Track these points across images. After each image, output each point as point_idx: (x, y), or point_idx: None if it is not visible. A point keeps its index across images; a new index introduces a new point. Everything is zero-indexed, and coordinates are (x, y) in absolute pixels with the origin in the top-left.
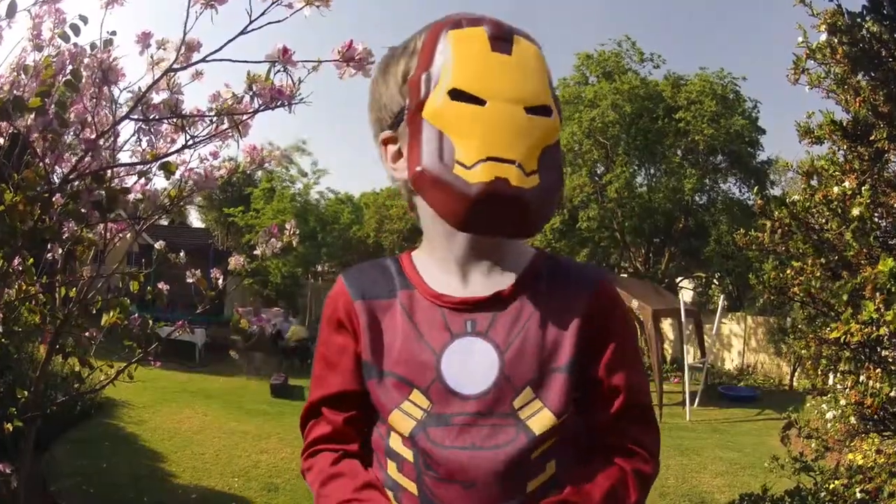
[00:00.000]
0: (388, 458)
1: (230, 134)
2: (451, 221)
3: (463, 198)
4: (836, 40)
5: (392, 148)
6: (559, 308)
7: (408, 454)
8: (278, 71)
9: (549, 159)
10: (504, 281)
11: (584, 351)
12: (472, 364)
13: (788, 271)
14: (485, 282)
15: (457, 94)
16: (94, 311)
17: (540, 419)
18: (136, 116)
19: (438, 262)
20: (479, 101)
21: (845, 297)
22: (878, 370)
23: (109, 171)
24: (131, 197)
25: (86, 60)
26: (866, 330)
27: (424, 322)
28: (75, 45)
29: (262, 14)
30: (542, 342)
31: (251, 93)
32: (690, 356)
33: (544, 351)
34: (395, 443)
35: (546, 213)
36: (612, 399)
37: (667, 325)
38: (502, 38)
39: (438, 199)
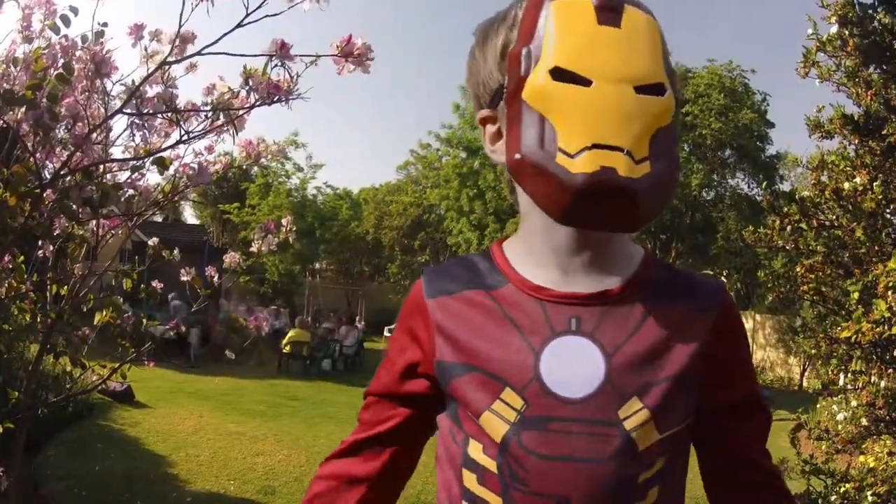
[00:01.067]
0: (466, 468)
1: (225, 129)
2: (552, 214)
3: (565, 190)
4: (846, 32)
5: (491, 128)
6: (679, 317)
7: (491, 464)
8: (275, 65)
9: (661, 144)
10: (610, 279)
11: (704, 368)
12: (575, 365)
13: (798, 269)
14: (588, 278)
15: (559, 74)
16: (86, 310)
17: (645, 433)
18: (129, 110)
19: (536, 254)
20: (584, 82)
21: (856, 296)
22: (891, 370)
23: (102, 167)
24: (124, 193)
25: (77, 53)
26: (878, 329)
27: (522, 317)
28: (66, 36)
29: (260, 6)
30: (656, 350)
31: (247, 87)
32: None
33: (658, 360)
34: (476, 451)
35: (658, 205)
36: (747, 422)
37: None
38: (610, 9)
39: (539, 190)
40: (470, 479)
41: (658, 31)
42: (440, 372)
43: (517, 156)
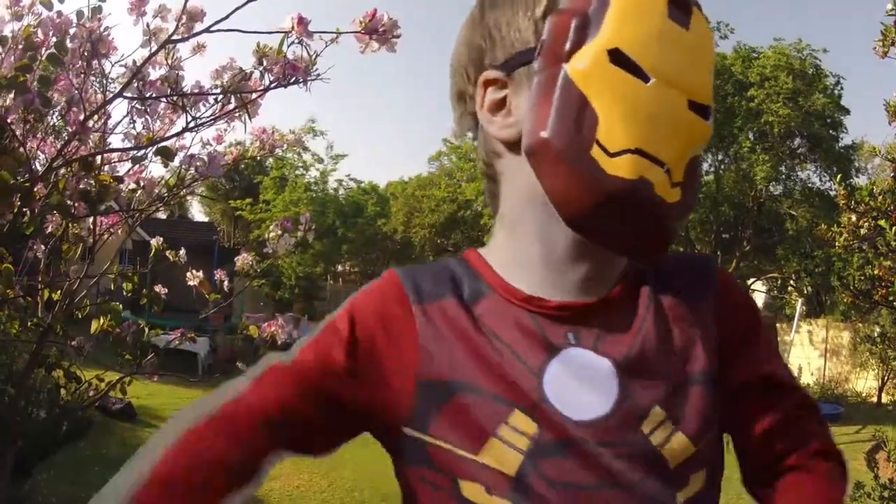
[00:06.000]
0: None
1: (237, 115)
2: (564, 212)
3: (593, 190)
4: None
5: (495, 93)
6: (683, 310)
7: None
8: (292, 43)
9: (694, 174)
10: (604, 283)
11: (722, 356)
12: (583, 383)
13: (876, 271)
14: (582, 284)
15: (618, 58)
16: (82, 317)
17: (675, 447)
18: (129, 94)
19: (523, 262)
20: (643, 76)
21: None
22: None
23: (99, 157)
24: (124, 186)
25: (72, 31)
26: None
27: (512, 332)
28: (59, 13)
29: None
30: (667, 351)
31: (261, 68)
32: None
33: (672, 361)
34: (476, 494)
35: (673, 237)
36: (779, 400)
37: None
38: (683, 4)
39: (559, 181)
40: None
41: (714, 50)
42: (422, 393)
43: (543, 134)
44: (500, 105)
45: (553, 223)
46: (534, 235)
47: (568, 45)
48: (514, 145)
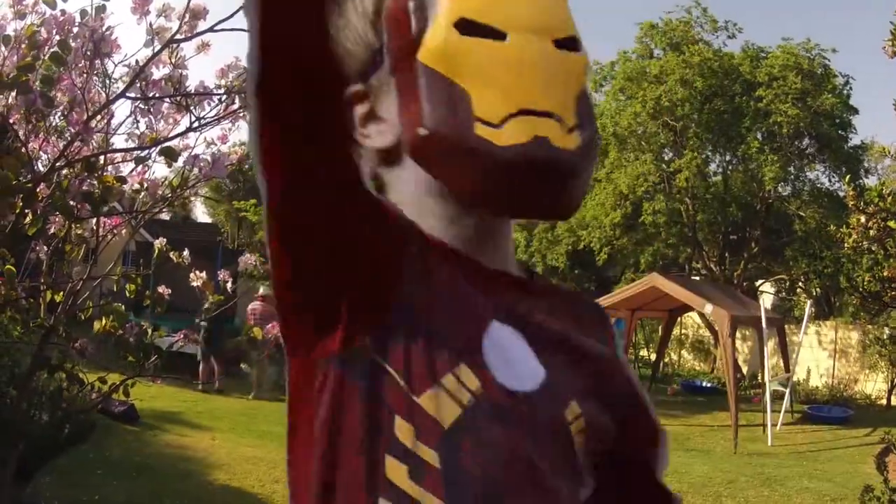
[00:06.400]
0: (393, 456)
1: (241, 115)
2: (467, 199)
3: (492, 167)
4: None
5: (361, 108)
6: (581, 322)
7: (432, 457)
8: None
9: (585, 110)
10: (512, 265)
11: (603, 380)
12: (514, 356)
13: (886, 272)
14: (498, 264)
15: (467, 27)
16: (85, 319)
17: (581, 442)
18: (133, 94)
19: None
20: (498, 34)
21: None
22: None
23: (102, 158)
24: (127, 187)
25: (75, 30)
26: None
27: (465, 290)
28: (63, 11)
29: None
30: (580, 356)
31: None
32: (772, 371)
33: (582, 367)
34: (406, 436)
35: (587, 185)
36: (649, 434)
37: (742, 336)
38: None
39: (453, 171)
40: (397, 472)
41: None
42: (396, 314)
43: (422, 131)
44: (369, 117)
45: (456, 213)
46: (439, 228)
47: (413, 31)
48: (394, 149)
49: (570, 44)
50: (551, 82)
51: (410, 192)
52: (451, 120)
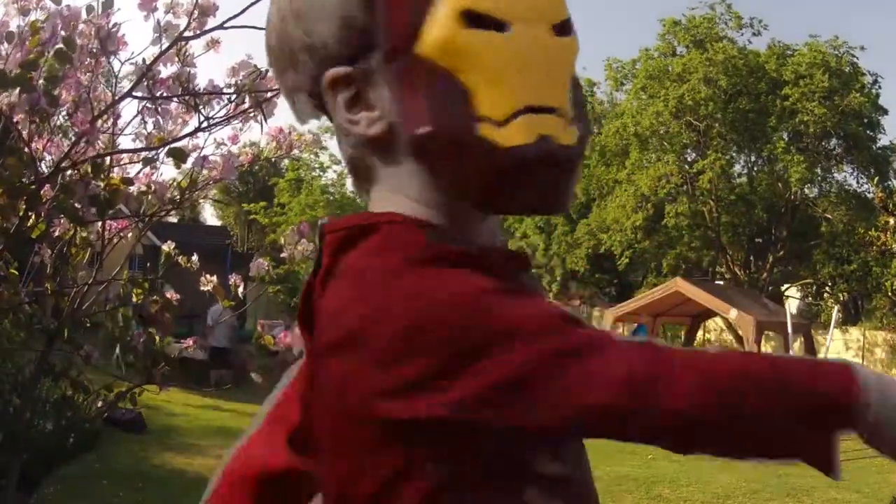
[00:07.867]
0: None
1: (252, 115)
2: (473, 199)
3: (497, 169)
4: None
5: (346, 92)
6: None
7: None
8: None
9: (577, 98)
10: None
11: None
12: None
13: None
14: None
15: (472, 18)
16: (90, 325)
17: None
18: (140, 93)
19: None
20: (501, 26)
21: None
22: None
23: (109, 159)
24: (134, 189)
25: (81, 26)
26: None
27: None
28: (68, 7)
29: None
30: None
31: None
32: None
33: None
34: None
35: (581, 173)
36: None
37: (766, 340)
38: None
39: (456, 171)
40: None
41: None
42: None
43: (424, 129)
44: (356, 102)
45: (463, 212)
46: (445, 216)
47: (414, 20)
48: (386, 141)
49: (565, 27)
50: (553, 75)
51: (411, 191)
52: (453, 118)
